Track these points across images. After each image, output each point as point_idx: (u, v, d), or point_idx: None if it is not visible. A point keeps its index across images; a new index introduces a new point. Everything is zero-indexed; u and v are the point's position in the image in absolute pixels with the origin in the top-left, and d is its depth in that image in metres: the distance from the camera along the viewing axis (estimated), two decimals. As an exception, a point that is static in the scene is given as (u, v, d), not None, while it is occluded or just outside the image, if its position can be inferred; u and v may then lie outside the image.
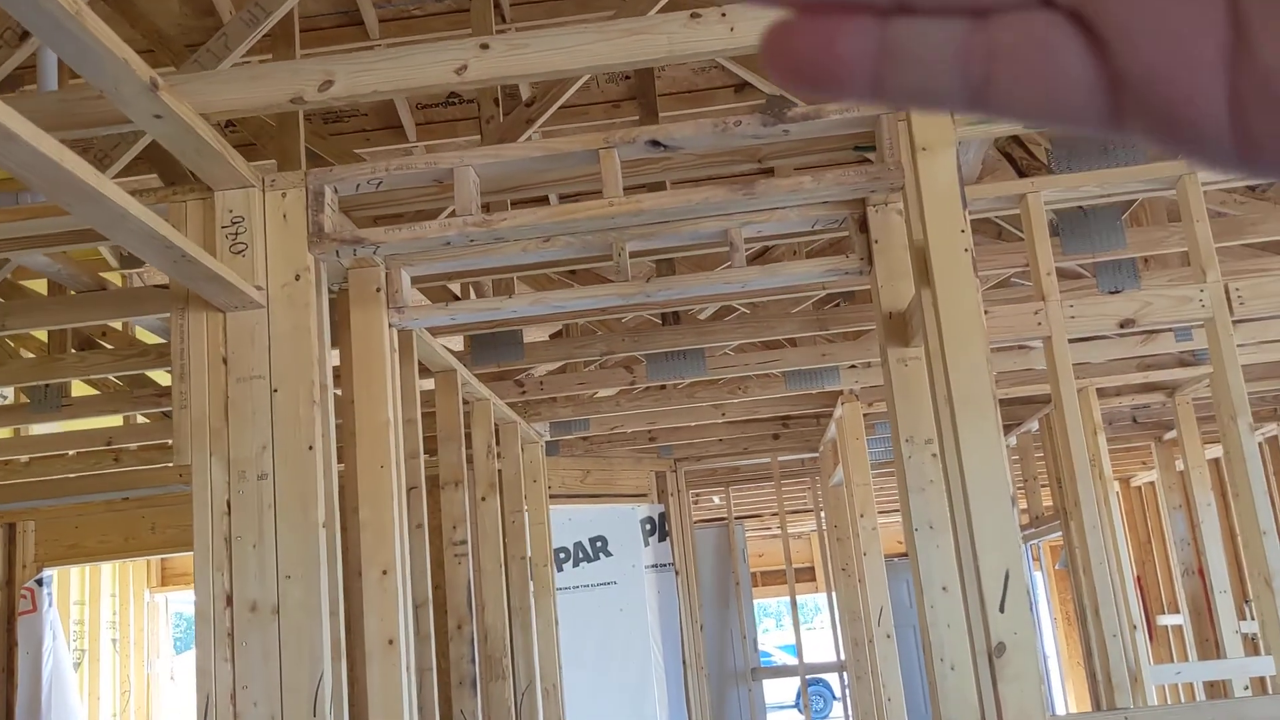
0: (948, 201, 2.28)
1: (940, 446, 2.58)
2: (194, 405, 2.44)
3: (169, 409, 4.96)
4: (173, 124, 2.13)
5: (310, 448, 2.43)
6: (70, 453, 5.49)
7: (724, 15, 2.19)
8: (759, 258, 4.95)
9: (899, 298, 2.82)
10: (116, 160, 3.01)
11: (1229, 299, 2.83)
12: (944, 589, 2.78)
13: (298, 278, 2.50)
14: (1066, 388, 2.92)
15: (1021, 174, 3.77)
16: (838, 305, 5.27)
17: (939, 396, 2.38)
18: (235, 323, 2.48)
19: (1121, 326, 2.90)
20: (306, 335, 2.47)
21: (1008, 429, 6.87)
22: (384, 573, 2.92)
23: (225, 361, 2.47)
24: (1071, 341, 5.12)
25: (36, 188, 1.79)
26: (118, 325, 4.72)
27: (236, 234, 2.48)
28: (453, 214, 2.51)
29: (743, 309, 5.52)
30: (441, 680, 3.80)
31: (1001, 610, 2.14)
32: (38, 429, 5.95)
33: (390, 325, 3.06)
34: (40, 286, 4.21)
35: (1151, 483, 9.32)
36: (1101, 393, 6.00)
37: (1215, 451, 6.86)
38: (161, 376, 5.01)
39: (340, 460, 2.84)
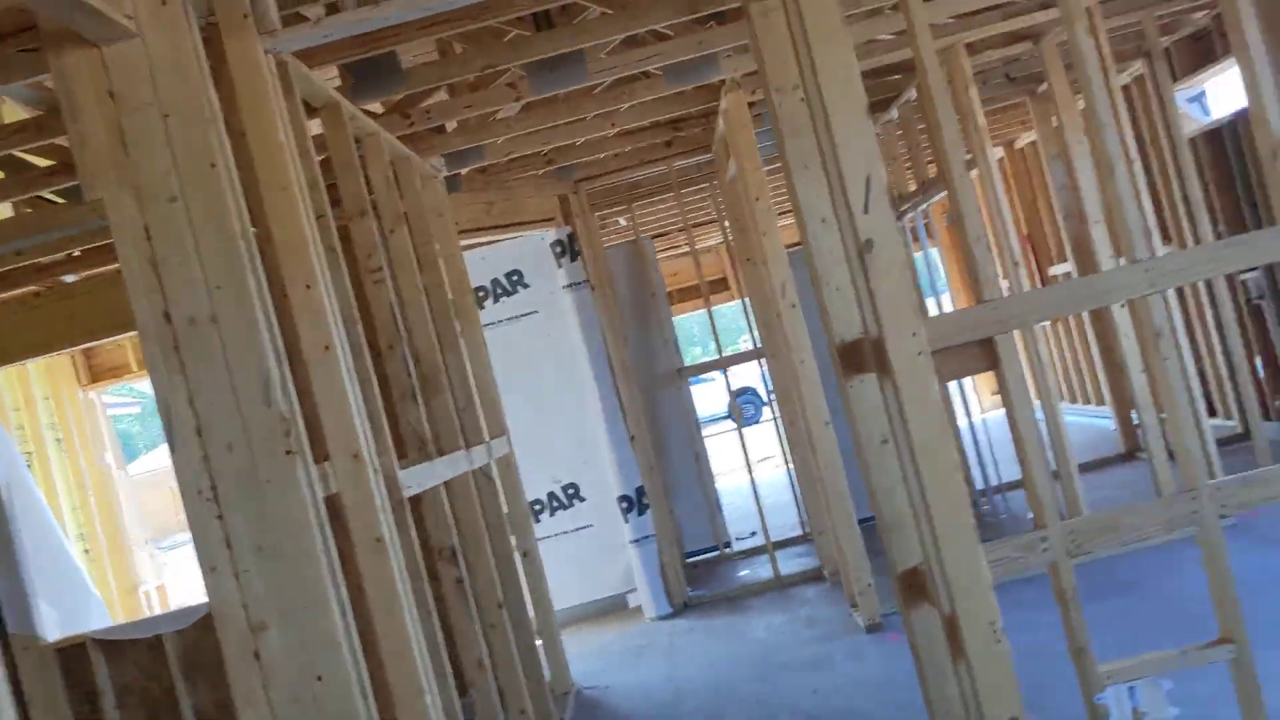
0: None
1: (804, 90, 2.75)
2: (91, 141, 2.52)
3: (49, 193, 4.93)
4: None
5: (213, 165, 2.54)
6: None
7: None
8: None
9: (754, -48, 2.92)
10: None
11: (1061, -90, 2.98)
12: (823, 220, 3.03)
13: (164, 2, 2.53)
14: (925, 46, 3.03)
15: None
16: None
17: (797, 41, 2.52)
18: (114, 56, 2.53)
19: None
20: (187, 55, 2.53)
21: (887, 104, 7.06)
22: (307, 287, 3.10)
23: (112, 95, 2.53)
24: None
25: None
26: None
27: (94, -37, 2.48)
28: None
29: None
30: (385, 394, 4.05)
31: (866, 211, 2.39)
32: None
33: (265, 52, 3.10)
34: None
35: (1034, 143, 9.68)
36: (970, 48, 6.16)
37: (1085, 96, 7.15)
38: (38, 158, 4.96)
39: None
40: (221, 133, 2.68)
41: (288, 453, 2.57)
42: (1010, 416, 2.91)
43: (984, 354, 2.97)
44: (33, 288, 6.26)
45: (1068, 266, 9.27)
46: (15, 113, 4.60)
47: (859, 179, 2.39)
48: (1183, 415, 2.92)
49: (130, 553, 8.41)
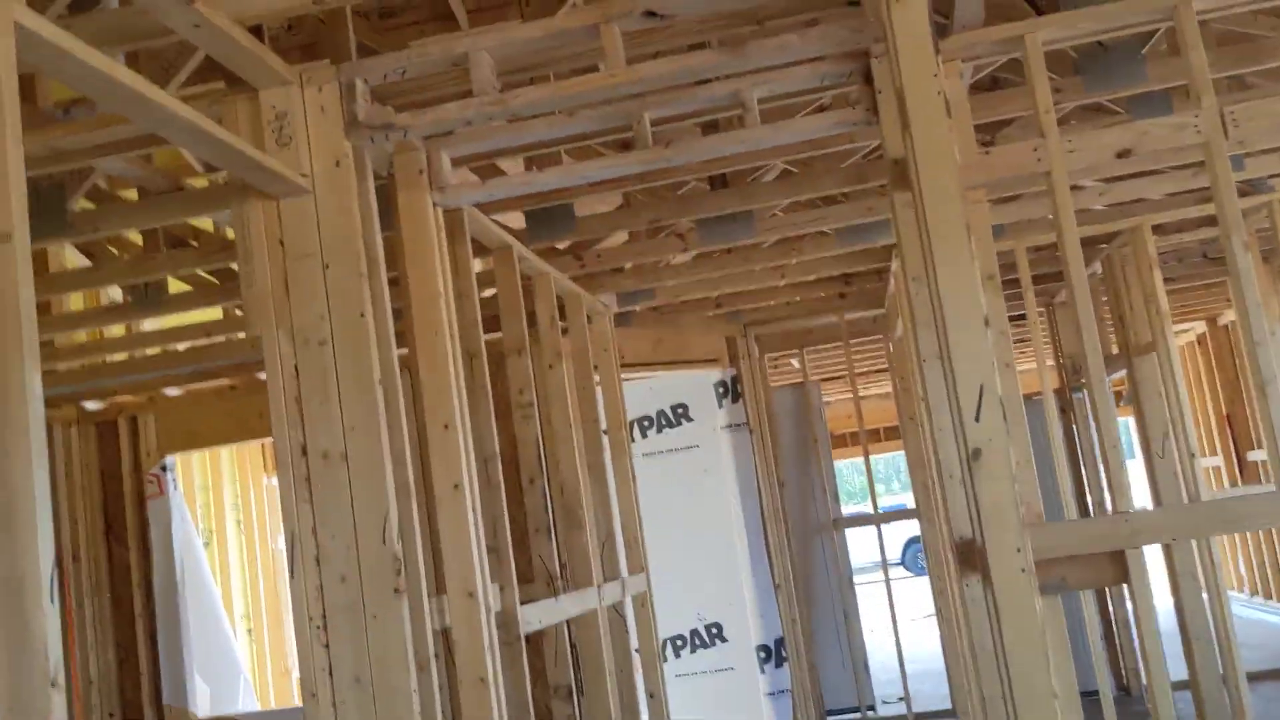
0: (919, 47, 2.44)
1: (928, 283, 2.76)
2: (258, 283, 2.76)
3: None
4: (210, 32, 2.40)
5: (361, 315, 2.74)
6: (179, 347, 5.97)
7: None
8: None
9: (900, 145, 2.98)
10: (181, 69, 3.31)
11: (1224, 124, 2.93)
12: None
13: (338, 164, 2.78)
14: (1068, 222, 3.03)
15: (1040, 13, 3.83)
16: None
17: (922, 234, 2.57)
18: (288, 208, 2.79)
19: (1119, 157, 3.02)
20: (350, 215, 2.76)
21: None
22: (445, 426, 3.26)
23: (282, 243, 2.78)
24: (1127, 178, 5.19)
25: (96, 98, 2.09)
26: (209, 226, 5.11)
27: (281, 128, 2.76)
28: (472, 94, 2.75)
29: (790, 169, 5.66)
30: (518, 528, 4.17)
31: (977, 420, 2.36)
32: (148, 326, 6.45)
33: (435, 204, 3.34)
34: (134, 195, 4.59)
35: (1236, 320, 9.24)
36: (1163, 229, 6.01)
37: (1287, 282, 6.83)
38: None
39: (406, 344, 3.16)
40: (382, 280, 2.89)
41: (396, 591, 2.69)
42: (1177, 607, 2.77)
43: (1114, 565, 2.86)
44: (229, 381, 6.74)
45: (1263, 454, 8.72)
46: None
47: (971, 387, 2.37)
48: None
49: (288, 638, 8.77)
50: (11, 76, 1.71)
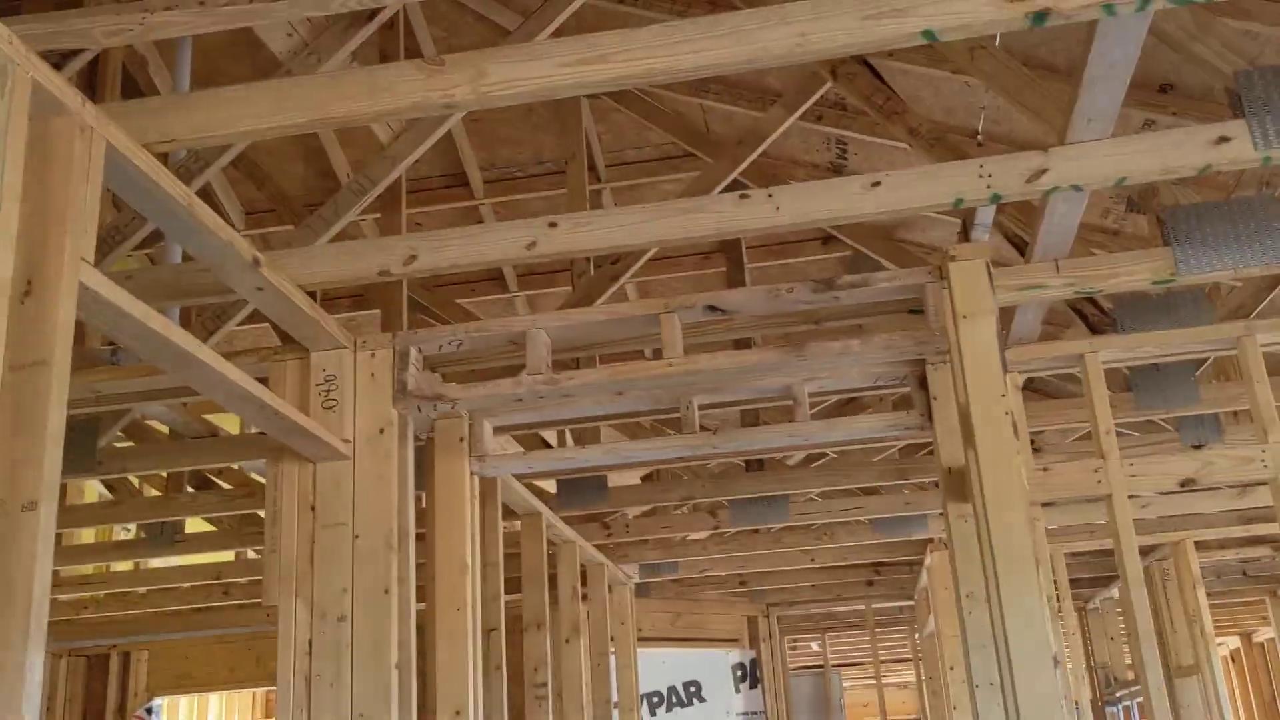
0: (987, 367, 2.39)
1: (989, 606, 2.62)
2: (283, 549, 2.64)
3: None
4: (272, 295, 2.38)
5: (386, 591, 2.59)
6: (185, 586, 5.78)
7: (770, 196, 2.37)
8: (846, 405, 5.03)
9: (958, 454, 2.89)
10: (226, 323, 3.31)
11: (1293, 459, 2.84)
12: (991, 684, 2.77)
13: (382, 431, 2.71)
14: (1128, 545, 2.92)
15: (1093, 329, 3.83)
16: (928, 453, 5.30)
17: (984, 557, 2.43)
18: (324, 472, 2.69)
19: (1182, 485, 2.92)
20: (388, 485, 2.66)
21: (1110, 580, 6.70)
22: (456, 713, 3.03)
23: (313, 509, 2.67)
24: (1168, 493, 5.07)
25: (147, 357, 2.04)
26: (234, 466, 5.04)
27: (329, 390, 2.71)
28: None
29: (830, 453, 5.59)
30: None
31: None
32: (155, 562, 6.28)
33: (472, 473, 3.24)
34: (165, 426, 4.55)
35: (1273, 639, 8.89)
36: (1204, 545, 5.85)
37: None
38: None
39: (422, 600, 2.99)
40: (410, 558, 2.76)
41: None
42: None
43: None
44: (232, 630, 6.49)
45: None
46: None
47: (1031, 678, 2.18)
48: None
49: None
50: (67, 340, 1.65)
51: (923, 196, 2.30)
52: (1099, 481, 2.96)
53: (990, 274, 2.46)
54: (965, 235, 2.87)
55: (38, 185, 1.74)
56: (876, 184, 2.33)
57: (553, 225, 2.48)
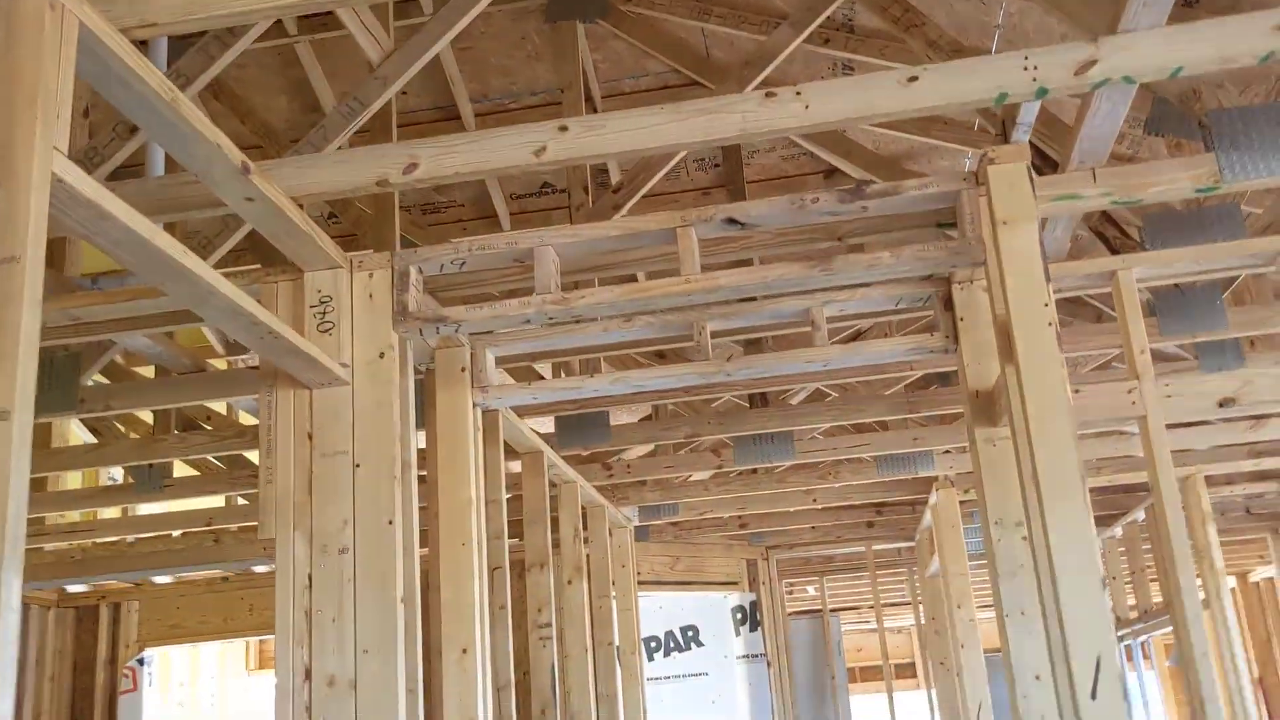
0: (1030, 275, 2.24)
1: (1029, 530, 2.50)
2: (279, 480, 2.49)
3: (266, 490, 5.07)
4: (263, 206, 2.21)
5: (390, 522, 2.45)
6: (174, 533, 5.64)
7: (799, 94, 2.21)
8: (852, 340, 4.90)
9: (985, 376, 2.76)
10: (219, 246, 3.13)
11: (1337, 377, 2.71)
12: (1037, 678, 2.66)
13: (382, 355, 2.55)
14: (1165, 472, 2.80)
15: (1115, 253, 3.69)
16: (933, 388, 5.17)
17: (1025, 477, 2.31)
18: (321, 399, 2.54)
19: (1221, 405, 2.79)
20: (389, 411, 2.51)
21: (1112, 519, 6.63)
22: (463, 652, 2.91)
23: (310, 437, 2.52)
24: (1175, 427, 4.97)
25: (130, 266, 1.87)
26: (221, 408, 4.87)
27: (324, 313, 2.55)
28: (533, 292, 2.54)
29: (832, 393, 5.46)
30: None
31: (1094, 698, 2.04)
32: (144, 509, 6.14)
33: (475, 405, 3.09)
34: (149, 372, 4.38)
35: (1271, 578, 8.87)
36: (1211, 480, 5.75)
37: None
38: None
39: (425, 543, 2.86)
40: (412, 489, 2.61)
41: None
42: None
43: None
44: (220, 571, 6.36)
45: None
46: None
47: (1088, 660, 2.06)
48: None
49: None
50: (40, 236, 1.49)
51: (964, 91, 2.14)
52: (1134, 403, 2.83)
53: (1032, 178, 2.31)
54: (1005, 137, 2.71)
55: (4, 66, 1.56)
56: (914, 79, 2.16)
57: (563, 129, 2.31)
